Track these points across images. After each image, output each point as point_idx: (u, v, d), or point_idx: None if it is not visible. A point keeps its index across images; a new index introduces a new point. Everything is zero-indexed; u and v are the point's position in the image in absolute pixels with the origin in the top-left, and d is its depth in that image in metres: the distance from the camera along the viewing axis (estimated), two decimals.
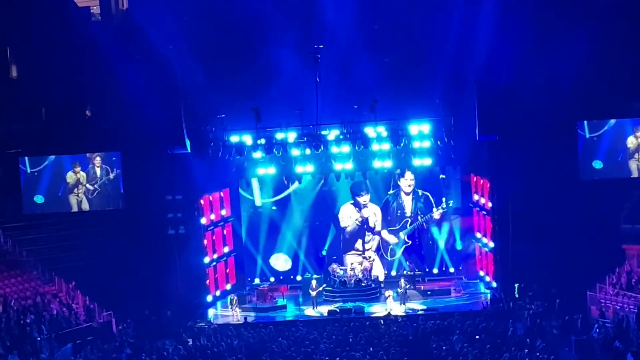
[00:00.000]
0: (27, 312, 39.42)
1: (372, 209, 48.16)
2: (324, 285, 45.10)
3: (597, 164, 42.60)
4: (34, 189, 44.50)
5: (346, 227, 48.31)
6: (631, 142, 42.55)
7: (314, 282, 44.15)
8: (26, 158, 44.29)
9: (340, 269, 46.27)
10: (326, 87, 42.13)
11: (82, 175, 44.64)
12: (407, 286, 43.30)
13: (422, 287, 44.60)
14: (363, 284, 45.35)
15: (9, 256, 44.57)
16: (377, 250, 48.21)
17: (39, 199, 44.82)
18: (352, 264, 46.69)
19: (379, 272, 47.36)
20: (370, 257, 47.60)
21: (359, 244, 48.15)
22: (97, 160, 44.54)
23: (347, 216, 48.27)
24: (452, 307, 42.51)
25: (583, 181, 42.32)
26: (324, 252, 48.37)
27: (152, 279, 42.75)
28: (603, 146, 42.69)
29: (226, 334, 38.38)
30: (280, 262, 48.38)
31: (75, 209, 44.79)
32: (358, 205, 48.08)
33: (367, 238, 48.11)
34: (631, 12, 42.12)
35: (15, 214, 45.13)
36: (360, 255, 47.84)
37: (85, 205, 44.79)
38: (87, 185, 44.52)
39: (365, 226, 48.06)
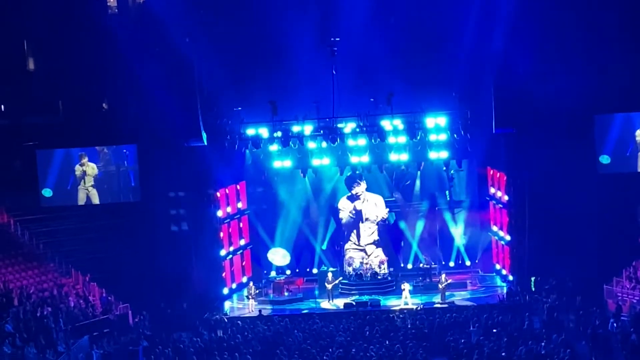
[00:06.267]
0: (44, 305, 39.56)
1: (372, 199, 48.04)
2: (340, 278, 45.09)
3: (605, 159, 42.47)
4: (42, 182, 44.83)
5: (342, 220, 48.28)
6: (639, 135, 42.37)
7: (329, 275, 44.13)
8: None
9: (357, 261, 46.30)
10: (342, 80, 42.12)
11: (91, 166, 44.70)
12: (449, 281, 43.12)
13: (437, 280, 44.37)
14: (379, 277, 45.33)
15: (26, 249, 44.75)
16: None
17: (47, 192, 44.96)
18: (357, 258, 46.81)
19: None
20: (370, 253, 47.37)
21: (355, 237, 47.96)
22: None
23: (343, 208, 48.24)
24: (468, 300, 42.57)
25: (600, 174, 42.20)
26: (323, 247, 48.43)
27: (168, 272, 42.88)
28: (610, 141, 42.53)
29: (242, 327, 38.45)
30: (278, 256, 48.06)
31: (82, 202, 44.89)
32: (352, 198, 48.00)
33: (362, 230, 47.91)
34: None
35: (32, 206, 45.34)
36: (359, 250, 47.67)
37: (95, 199, 44.90)
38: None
39: (361, 218, 47.88)
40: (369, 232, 47.89)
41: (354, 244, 47.86)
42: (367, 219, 47.81)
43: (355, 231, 47.90)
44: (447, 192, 47.65)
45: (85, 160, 44.68)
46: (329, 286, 43.54)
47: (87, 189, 44.87)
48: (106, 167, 45.05)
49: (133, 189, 44.85)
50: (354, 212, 47.86)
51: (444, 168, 46.50)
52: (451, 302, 41.78)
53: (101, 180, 45.06)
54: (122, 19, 45.67)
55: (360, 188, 47.74)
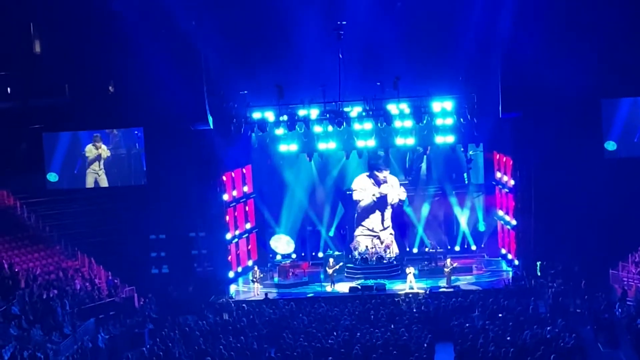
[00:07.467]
0: (50, 287, 39.68)
1: (391, 182, 47.70)
2: (341, 263, 44.96)
3: (610, 146, 42.29)
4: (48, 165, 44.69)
5: (360, 201, 47.92)
6: None
7: (331, 260, 44.07)
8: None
9: (362, 246, 46.29)
10: (349, 64, 41.94)
11: (104, 148, 44.53)
12: (454, 265, 43.03)
13: (442, 264, 44.31)
14: (384, 261, 45.33)
15: (32, 231, 44.90)
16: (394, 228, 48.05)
17: (52, 177, 44.81)
18: (367, 246, 46.63)
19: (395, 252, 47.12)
20: (384, 240, 47.26)
21: (371, 222, 47.75)
22: None
23: (362, 189, 47.85)
24: (474, 284, 42.55)
25: (606, 159, 42.10)
26: (330, 233, 48.36)
27: (174, 255, 42.88)
28: (617, 126, 42.32)
29: (247, 310, 38.52)
30: (282, 243, 47.93)
31: (91, 186, 44.74)
32: (377, 180, 47.76)
33: (384, 215, 47.72)
34: None
35: (38, 189, 45.39)
36: (372, 237, 47.47)
37: (104, 183, 44.72)
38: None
39: (384, 203, 47.63)
40: (386, 216, 47.75)
41: (368, 229, 47.69)
42: (388, 204, 47.62)
43: (371, 216, 47.72)
44: (465, 174, 47.54)
45: (100, 142, 44.41)
46: (330, 271, 43.51)
47: (97, 173, 44.65)
48: (116, 149, 44.90)
49: (144, 172, 44.74)
50: (378, 195, 47.55)
51: (462, 149, 46.41)
52: (456, 287, 41.79)
53: (111, 163, 44.80)
54: (129, 2, 45.57)
55: (386, 173, 47.47)
